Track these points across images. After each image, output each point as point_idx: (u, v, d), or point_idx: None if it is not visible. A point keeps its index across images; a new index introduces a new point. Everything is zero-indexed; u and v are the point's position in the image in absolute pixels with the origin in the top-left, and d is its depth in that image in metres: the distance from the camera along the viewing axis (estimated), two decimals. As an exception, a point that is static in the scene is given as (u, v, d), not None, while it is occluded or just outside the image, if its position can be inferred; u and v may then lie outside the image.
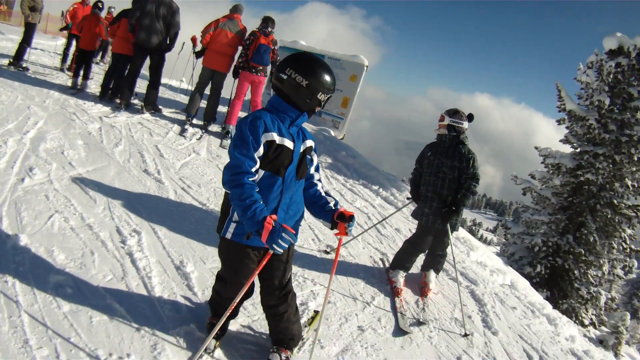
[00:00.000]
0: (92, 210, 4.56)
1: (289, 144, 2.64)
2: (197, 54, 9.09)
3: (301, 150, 2.75)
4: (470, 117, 5.19)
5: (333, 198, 2.92)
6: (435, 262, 5.44)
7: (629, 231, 13.21)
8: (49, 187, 4.79)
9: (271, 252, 2.48)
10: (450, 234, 5.16)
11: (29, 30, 11.08)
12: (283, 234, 2.37)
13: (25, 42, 10.96)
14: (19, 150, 5.50)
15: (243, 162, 2.47)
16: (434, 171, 5.12)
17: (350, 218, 2.75)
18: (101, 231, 4.19)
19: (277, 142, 2.59)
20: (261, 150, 2.55)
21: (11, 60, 10.82)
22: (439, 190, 5.05)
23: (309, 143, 2.85)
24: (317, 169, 3.02)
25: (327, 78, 2.60)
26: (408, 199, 5.88)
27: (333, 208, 2.84)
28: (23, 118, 6.67)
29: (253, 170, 2.51)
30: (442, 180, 5.04)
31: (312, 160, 2.91)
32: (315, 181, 2.98)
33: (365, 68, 12.21)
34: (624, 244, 13.28)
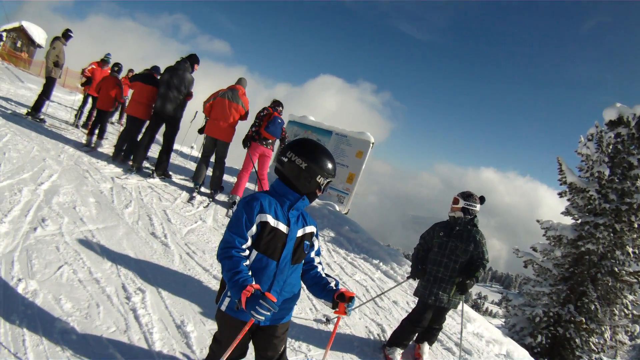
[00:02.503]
0: (100, 265, 4.88)
1: (283, 228, 2.76)
2: (200, 131, 9.56)
3: (298, 235, 2.85)
4: (482, 200, 5.49)
5: (334, 278, 3.01)
6: (431, 335, 5.62)
7: (630, 297, 13.44)
8: (60, 239, 5.14)
9: (252, 320, 2.54)
10: (448, 311, 5.48)
11: (50, 84, 11.78)
12: (261, 301, 2.39)
13: (45, 95, 11.67)
14: (32, 200, 5.91)
15: (234, 238, 2.65)
16: (446, 253, 5.32)
17: (350, 299, 2.81)
18: (107, 286, 4.49)
19: (271, 224, 2.72)
20: (254, 229, 2.70)
21: (29, 110, 11.48)
22: (450, 272, 5.25)
23: (310, 229, 2.96)
24: (317, 253, 3.13)
25: (327, 162, 2.77)
26: (407, 277, 6.02)
27: (334, 288, 2.91)
28: (38, 169, 7.15)
29: (243, 246, 2.67)
30: (455, 262, 5.25)
31: (311, 246, 3.02)
32: (315, 264, 3.08)
33: (371, 145, 12.77)
34: (625, 310, 13.48)
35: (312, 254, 3.08)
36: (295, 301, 3.01)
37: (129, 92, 10.96)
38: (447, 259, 5.29)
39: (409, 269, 8.96)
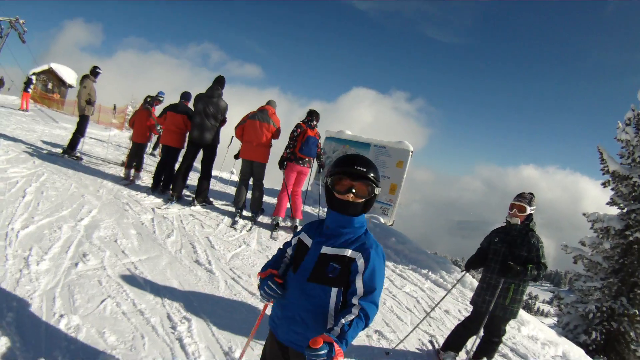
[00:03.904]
0: (144, 296, 4.88)
1: (308, 242, 2.72)
2: (236, 156, 9.72)
3: (323, 252, 2.60)
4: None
5: (348, 325, 2.35)
6: (490, 349, 5.42)
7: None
8: (102, 272, 5.17)
9: (265, 303, 2.86)
10: (507, 321, 5.25)
11: (84, 122, 12.09)
12: (268, 282, 2.62)
13: (80, 132, 11.97)
14: (73, 236, 5.99)
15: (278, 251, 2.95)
16: (500, 259, 5.21)
17: (315, 349, 2.11)
18: (152, 317, 4.47)
19: (302, 239, 2.78)
20: (290, 250, 2.88)
21: (65, 149, 11.80)
22: (502, 265, 5.12)
23: (345, 252, 2.55)
24: (363, 299, 2.47)
25: (338, 161, 2.62)
26: (462, 270, 5.91)
27: (329, 327, 2.46)
28: (77, 206, 7.28)
29: (281, 256, 2.90)
30: (509, 269, 5.05)
31: (343, 273, 2.54)
32: (351, 308, 2.45)
33: (410, 153, 12.71)
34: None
35: (354, 299, 2.48)
36: (311, 331, 2.55)
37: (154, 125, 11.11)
38: (501, 265, 5.17)
39: (458, 276, 8.78)
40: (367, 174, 2.51)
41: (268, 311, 2.93)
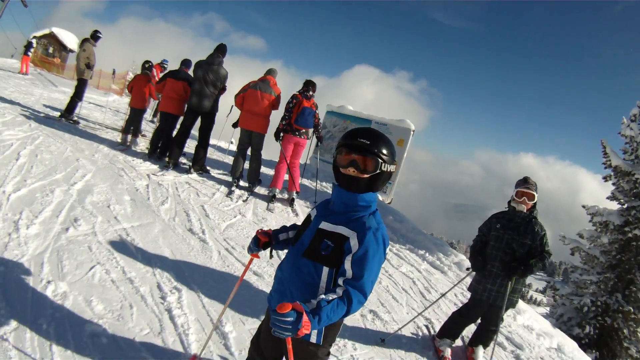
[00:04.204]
0: (134, 265, 4.84)
1: (312, 216, 2.69)
2: (234, 125, 9.59)
3: (321, 227, 2.53)
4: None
5: (327, 302, 2.19)
6: (487, 337, 5.38)
7: (680, 285, 13.03)
8: (93, 238, 5.13)
9: (251, 257, 3.01)
10: (506, 311, 5.18)
11: (82, 86, 12.00)
12: (256, 235, 2.91)
13: (77, 96, 11.89)
14: (65, 200, 5.94)
15: None
16: (502, 246, 5.08)
17: (280, 314, 1.95)
18: (142, 286, 4.43)
19: (310, 213, 2.74)
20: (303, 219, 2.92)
21: (62, 112, 11.72)
22: (505, 267, 5.01)
23: (340, 230, 2.45)
24: (348, 282, 2.33)
25: (343, 135, 2.52)
26: (467, 269, 5.83)
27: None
28: (71, 169, 7.22)
29: (293, 226, 3.02)
30: (511, 257, 5.00)
31: (335, 252, 2.43)
32: (336, 288, 2.33)
33: (412, 132, 12.58)
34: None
35: (340, 280, 2.35)
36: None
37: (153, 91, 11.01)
38: (503, 252, 5.06)
39: (455, 259, 8.73)
40: (371, 147, 2.37)
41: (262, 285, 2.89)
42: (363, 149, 2.38)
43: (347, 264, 2.35)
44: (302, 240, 2.59)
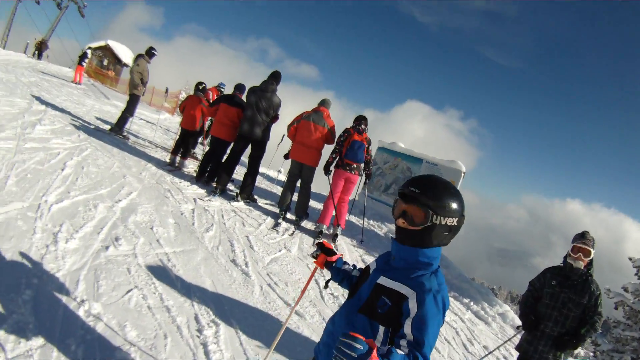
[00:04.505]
0: (173, 292, 4.61)
1: (372, 267, 2.47)
2: (285, 156, 9.52)
3: (379, 282, 2.29)
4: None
5: (397, 352, 1.90)
6: None
7: None
8: (133, 260, 4.94)
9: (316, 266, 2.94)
10: None
11: (134, 101, 12.15)
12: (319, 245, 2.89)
13: (129, 112, 12.04)
14: (108, 217, 5.80)
15: None
16: (558, 305, 4.78)
17: (352, 338, 1.71)
18: (179, 316, 4.19)
19: (369, 265, 2.52)
20: (357, 273, 2.76)
21: (112, 126, 11.84)
22: (559, 328, 4.73)
23: (399, 288, 2.20)
24: (411, 344, 2.04)
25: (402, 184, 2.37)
26: (518, 327, 5.46)
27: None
28: (117, 186, 7.13)
29: (350, 269, 2.83)
30: (566, 317, 4.73)
31: (394, 313, 2.18)
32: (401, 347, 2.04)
33: (462, 174, 12.33)
34: None
35: (402, 341, 2.06)
36: None
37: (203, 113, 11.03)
38: (558, 312, 4.76)
39: (500, 310, 8.34)
40: (420, 197, 2.16)
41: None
42: (413, 199, 2.18)
43: (407, 328, 2.08)
44: (359, 295, 2.35)
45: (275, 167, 14.72)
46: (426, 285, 2.13)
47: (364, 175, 9.13)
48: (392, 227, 11.26)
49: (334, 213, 8.90)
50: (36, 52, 34.66)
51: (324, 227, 8.75)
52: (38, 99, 12.93)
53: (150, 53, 12.15)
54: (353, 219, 11.18)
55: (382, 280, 2.26)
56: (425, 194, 2.15)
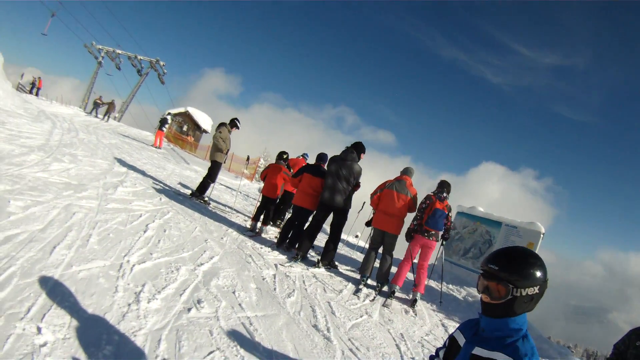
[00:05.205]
0: (255, 356, 4.52)
1: (460, 340, 2.57)
2: (367, 223, 9.55)
3: (474, 353, 2.39)
4: None
5: None
6: None
7: None
8: (215, 323, 4.89)
9: None
10: None
11: (215, 168, 12.50)
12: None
13: (210, 177, 12.39)
14: (190, 280, 5.83)
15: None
16: None
17: None
18: (261, 378, 4.06)
19: (455, 336, 2.63)
20: (442, 353, 2.75)
21: (194, 191, 12.21)
22: None
23: (497, 356, 2.31)
24: None
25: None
26: None
27: None
28: (199, 250, 7.21)
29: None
30: None
31: None
32: None
33: (541, 236, 12.02)
34: None
35: None
36: None
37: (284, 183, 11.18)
38: None
39: None
40: (500, 274, 2.33)
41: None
42: (493, 275, 2.36)
43: None
44: None
45: (352, 233, 14.67)
46: (521, 350, 2.25)
47: (441, 240, 9.09)
48: (471, 290, 11.13)
49: (408, 276, 8.80)
50: (94, 109, 36.53)
51: (397, 287, 8.65)
52: (119, 160, 13.58)
53: (233, 123, 12.60)
54: (432, 283, 10.96)
55: (478, 351, 2.36)
56: (504, 270, 2.32)
